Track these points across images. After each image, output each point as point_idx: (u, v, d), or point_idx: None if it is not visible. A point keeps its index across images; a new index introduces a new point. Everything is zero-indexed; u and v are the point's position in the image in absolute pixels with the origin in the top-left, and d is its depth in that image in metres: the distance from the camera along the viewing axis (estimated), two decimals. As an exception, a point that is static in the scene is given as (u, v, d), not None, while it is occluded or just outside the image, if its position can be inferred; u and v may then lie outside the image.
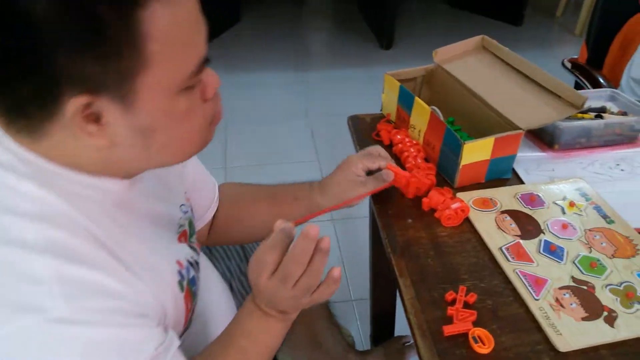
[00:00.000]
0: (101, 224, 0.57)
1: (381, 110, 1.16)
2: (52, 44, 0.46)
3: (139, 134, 0.54)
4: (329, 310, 1.32)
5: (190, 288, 0.72)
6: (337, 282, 0.67)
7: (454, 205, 0.86)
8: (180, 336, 0.72)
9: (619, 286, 0.75)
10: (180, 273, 0.70)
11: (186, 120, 0.57)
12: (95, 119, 0.51)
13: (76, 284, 0.52)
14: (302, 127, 2.76)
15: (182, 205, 0.79)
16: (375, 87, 1.11)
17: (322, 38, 4.07)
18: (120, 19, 0.46)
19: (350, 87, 3.14)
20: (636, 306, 0.72)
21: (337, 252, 1.97)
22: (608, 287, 0.75)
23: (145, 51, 0.49)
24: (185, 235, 0.78)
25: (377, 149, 0.93)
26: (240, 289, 1.01)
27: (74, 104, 0.49)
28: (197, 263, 0.78)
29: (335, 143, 2.53)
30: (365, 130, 1.13)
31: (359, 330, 1.69)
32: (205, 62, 0.56)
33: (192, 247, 0.78)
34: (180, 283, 0.69)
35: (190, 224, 0.81)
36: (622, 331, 0.68)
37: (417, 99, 1.00)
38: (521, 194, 0.92)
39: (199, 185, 0.88)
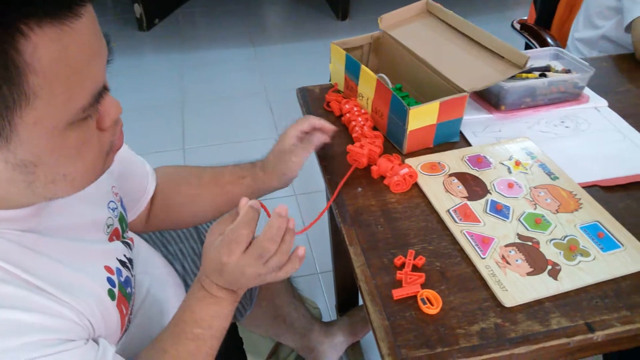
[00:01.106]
0: (6, 255, 0.53)
1: (330, 80, 1.15)
2: None
3: (19, 169, 0.48)
4: (291, 284, 1.32)
5: (123, 292, 0.69)
6: (302, 260, 0.68)
7: (402, 171, 0.86)
8: (122, 336, 0.71)
9: (563, 240, 0.77)
10: (110, 280, 0.66)
11: (77, 155, 0.51)
12: None
13: None
14: (260, 103, 2.73)
15: (110, 202, 0.75)
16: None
17: (276, 12, 4.00)
18: None
19: (307, 60, 3.11)
20: (578, 258, 0.74)
21: (301, 226, 1.97)
22: (552, 242, 0.76)
23: (26, 85, 0.43)
24: (118, 233, 0.75)
25: (309, 116, 0.92)
26: (195, 269, 0.99)
27: None
28: (130, 260, 0.75)
29: (295, 117, 2.50)
30: (315, 102, 1.12)
31: (326, 302, 1.71)
32: (104, 90, 0.51)
33: (125, 243, 0.75)
34: (111, 291, 0.66)
35: (122, 220, 0.78)
36: (565, 283, 0.70)
37: (363, 67, 0.99)
38: (468, 156, 0.93)
39: (127, 172, 0.84)
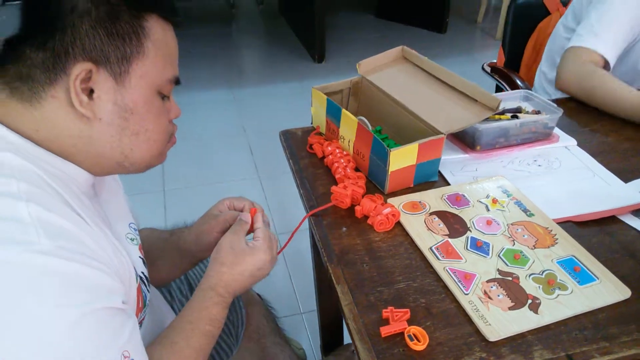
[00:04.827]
0: (71, 196, 0.62)
1: (311, 123, 1.19)
2: (79, 14, 0.59)
3: (120, 112, 0.64)
4: (277, 325, 1.32)
5: (141, 288, 0.74)
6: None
7: (385, 211, 0.89)
8: None
9: (541, 274, 0.80)
10: (135, 270, 0.72)
11: (157, 119, 0.68)
12: (89, 93, 0.61)
13: (54, 227, 0.56)
14: (240, 145, 2.76)
15: (131, 223, 0.82)
16: (310, 100, 1.14)
17: (254, 55, 4.09)
18: (132, 13, 0.62)
19: (286, 102, 3.17)
20: (557, 292, 0.77)
21: (283, 265, 1.98)
22: (531, 277, 0.79)
23: (144, 45, 0.63)
24: (142, 250, 0.81)
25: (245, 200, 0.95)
26: (180, 296, 1.02)
27: (80, 67, 0.59)
28: (147, 280, 0.80)
29: (274, 158, 2.54)
30: (297, 144, 1.15)
31: (310, 342, 1.70)
32: (177, 82, 0.71)
33: (145, 264, 0.81)
34: (135, 276, 0.72)
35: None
36: (546, 316, 0.73)
37: (344, 110, 1.03)
38: (447, 195, 0.96)
39: None
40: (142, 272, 0.78)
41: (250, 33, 4.37)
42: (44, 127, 0.62)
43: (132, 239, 0.79)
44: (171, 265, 0.97)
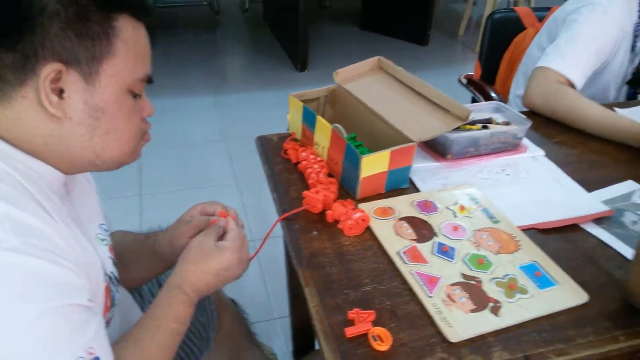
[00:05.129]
0: (41, 195, 0.63)
1: (288, 129, 1.21)
2: (49, 16, 0.59)
3: (90, 112, 0.65)
4: (250, 329, 1.33)
5: (110, 288, 0.75)
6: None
7: (356, 216, 0.91)
8: None
9: (504, 279, 0.82)
10: (104, 270, 0.73)
11: (128, 117, 0.69)
12: (59, 93, 0.62)
13: (24, 225, 0.58)
14: (220, 151, 2.77)
15: (102, 224, 0.83)
16: (292, 108, 1.16)
17: (237, 62, 4.11)
18: (102, 13, 0.62)
19: (268, 109, 3.18)
20: (518, 295, 0.79)
21: (258, 271, 1.98)
22: (494, 281, 0.82)
23: (114, 45, 0.64)
24: (112, 250, 0.82)
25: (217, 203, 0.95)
26: (150, 297, 1.03)
27: (49, 68, 0.60)
28: (117, 280, 0.81)
29: (254, 165, 2.55)
30: (273, 150, 1.17)
31: (283, 348, 1.71)
32: (149, 80, 0.71)
33: (115, 265, 0.81)
34: (104, 275, 0.73)
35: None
36: (506, 319, 0.75)
37: (319, 117, 1.05)
38: (417, 201, 0.99)
39: None
40: (112, 272, 0.79)
41: (234, 40, 4.38)
42: (15, 126, 0.63)
43: (102, 239, 0.80)
44: (145, 268, 0.97)
